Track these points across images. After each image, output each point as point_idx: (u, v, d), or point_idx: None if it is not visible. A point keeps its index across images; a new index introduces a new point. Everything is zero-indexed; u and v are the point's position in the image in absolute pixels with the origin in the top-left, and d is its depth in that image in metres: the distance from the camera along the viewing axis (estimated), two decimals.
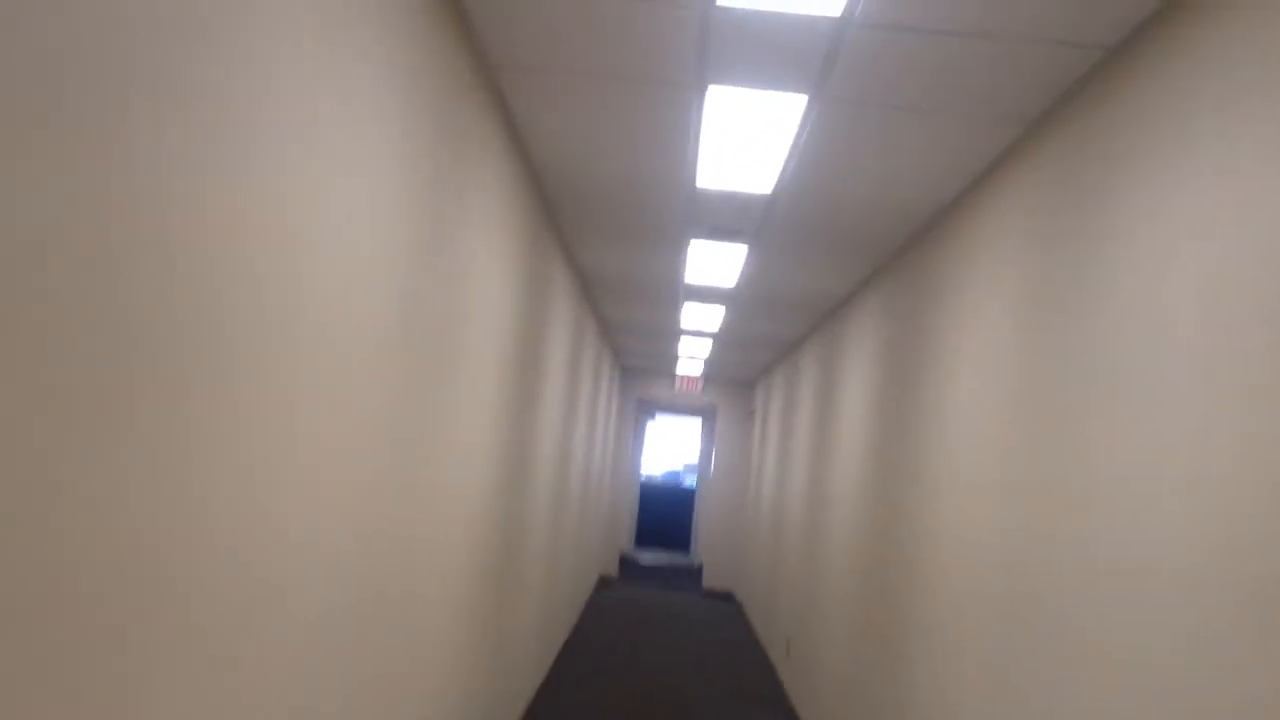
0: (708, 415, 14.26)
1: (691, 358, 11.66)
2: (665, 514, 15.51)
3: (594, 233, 5.72)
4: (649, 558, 15.16)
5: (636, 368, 13.83)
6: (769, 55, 2.98)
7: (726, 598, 12.96)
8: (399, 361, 2.62)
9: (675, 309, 8.19)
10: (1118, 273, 2.52)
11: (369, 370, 2.37)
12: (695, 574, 14.40)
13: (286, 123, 1.75)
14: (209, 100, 1.47)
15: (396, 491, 2.73)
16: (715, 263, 6.08)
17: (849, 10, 2.64)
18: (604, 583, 12.97)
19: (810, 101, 3.31)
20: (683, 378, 13.77)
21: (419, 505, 3.01)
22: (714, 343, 10.11)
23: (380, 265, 2.37)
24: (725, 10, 2.73)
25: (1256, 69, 1.98)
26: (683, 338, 10.02)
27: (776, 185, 4.30)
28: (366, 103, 2.15)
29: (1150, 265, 2.34)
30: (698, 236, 5.50)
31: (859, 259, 5.58)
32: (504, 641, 5.13)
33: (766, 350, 10.23)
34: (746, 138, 3.72)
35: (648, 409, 14.33)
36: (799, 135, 3.64)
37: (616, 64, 3.18)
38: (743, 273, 6.33)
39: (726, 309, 7.89)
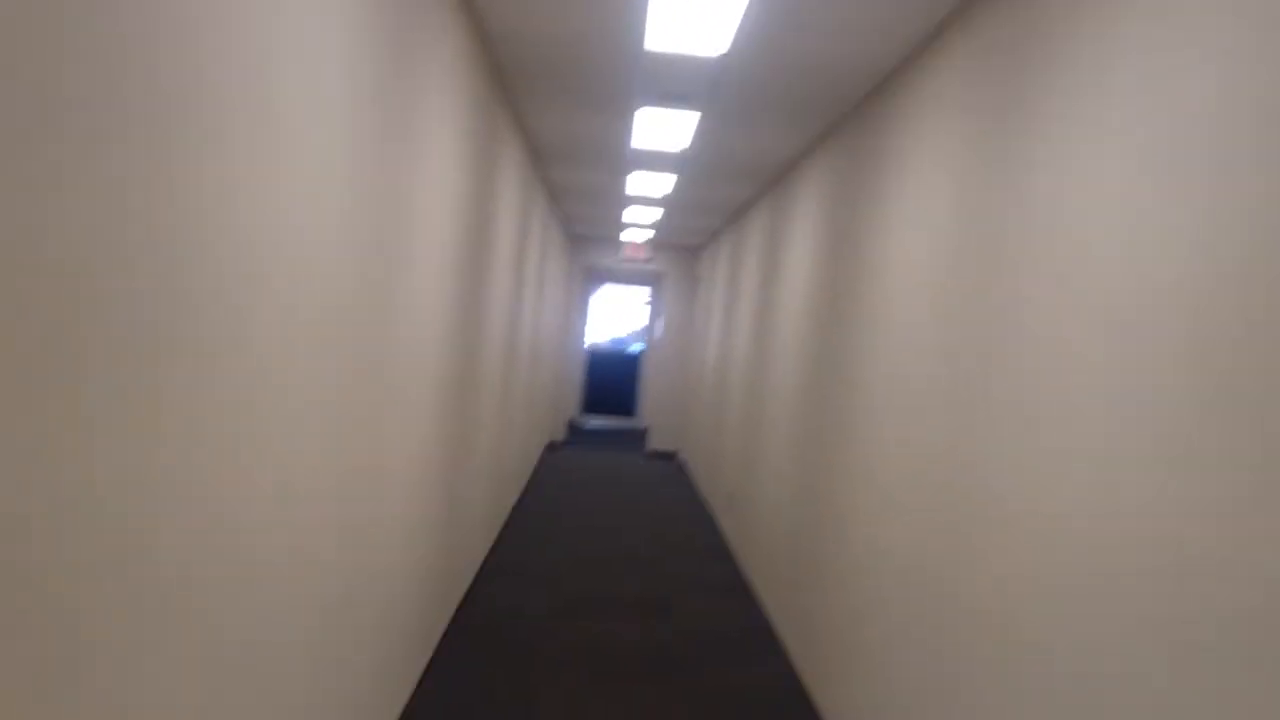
0: (655, 282, 14.39)
1: (640, 224, 11.71)
2: (612, 380, 15.77)
3: (545, 99, 5.71)
4: (597, 422, 15.46)
5: (585, 235, 13.85)
6: None
7: (671, 458, 13.32)
8: (355, 237, 2.68)
9: (623, 175, 8.21)
10: (1055, 137, 2.64)
11: (327, 244, 2.44)
12: (641, 437, 14.73)
13: None
14: None
15: (361, 362, 2.83)
16: (666, 128, 6.11)
17: None
18: (552, 447, 13.25)
19: None
20: (631, 244, 13.82)
21: (381, 377, 3.11)
22: (663, 209, 10.16)
23: (333, 133, 2.42)
24: None
25: None
26: (631, 205, 10.05)
27: (730, 46, 4.33)
28: None
29: (1085, 131, 2.46)
30: (647, 103, 5.51)
31: (808, 121, 5.64)
32: (460, 503, 5.31)
33: (714, 216, 10.30)
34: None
35: (596, 276, 14.41)
36: None
37: None
38: (693, 137, 6.36)
39: (676, 174, 7.93)
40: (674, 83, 5.06)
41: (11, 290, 1.18)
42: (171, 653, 1.70)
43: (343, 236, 2.52)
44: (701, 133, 6.18)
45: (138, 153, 1.43)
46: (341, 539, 2.83)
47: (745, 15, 3.88)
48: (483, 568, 6.53)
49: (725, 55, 4.44)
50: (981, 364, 3.00)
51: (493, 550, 7.05)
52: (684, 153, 6.92)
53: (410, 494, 3.85)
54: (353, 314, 2.70)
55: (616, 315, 16.92)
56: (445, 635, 5.08)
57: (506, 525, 7.95)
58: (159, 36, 1.46)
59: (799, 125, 5.68)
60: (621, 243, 13.91)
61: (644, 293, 15.71)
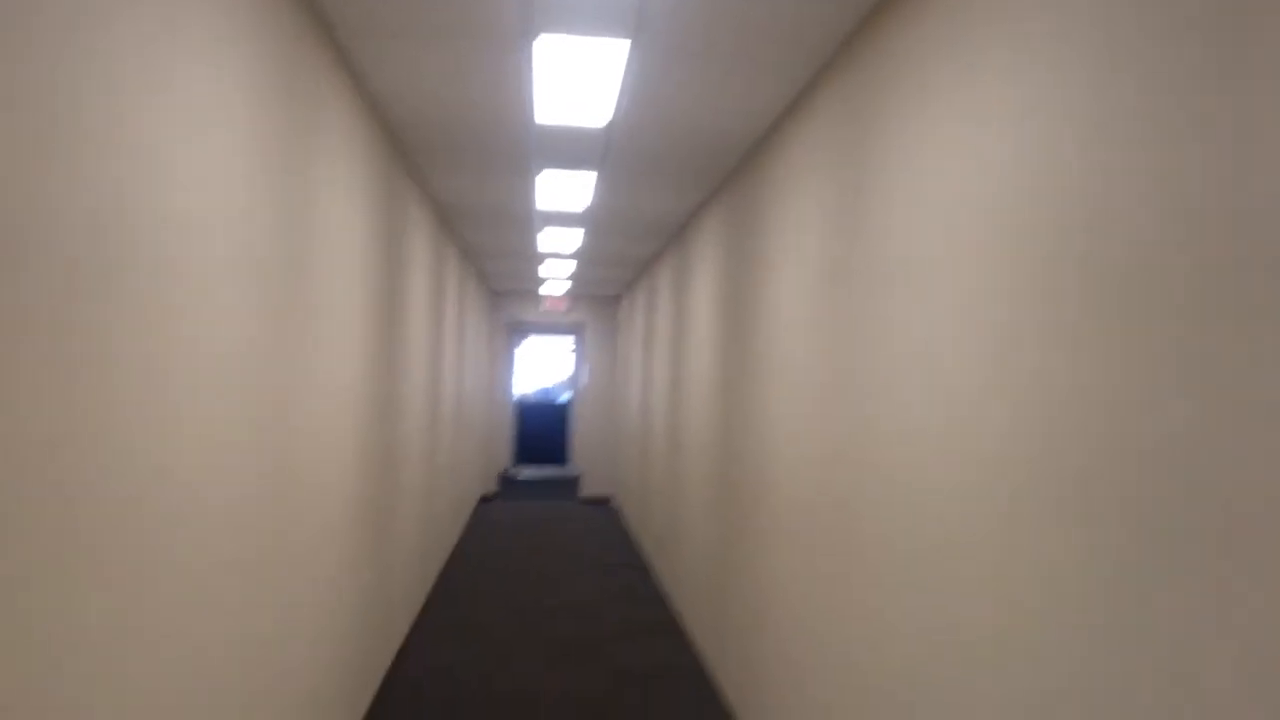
0: (577, 332, 14.66)
1: (557, 278, 11.98)
2: (543, 430, 15.96)
3: (446, 168, 5.97)
4: (529, 473, 15.62)
5: (505, 290, 14.09)
6: (591, 3, 3.30)
7: (605, 503, 13.52)
8: (268, 304, 2.90)
9: (533, 233, 8.48)
10: (896, 179, 2.96)
11: (244, 318, 2.65)
12: (574, 484, 14.93)
13: (153, 79, 2.02)
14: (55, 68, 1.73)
15: (277, 436, 3.03)
16: (567, 189, 6.40)
17: None
18: (485, 499, 13.38)
19: (632, 46, 3.64)
20: (550, 297, 14.09)
21: (299, 449, 3.31)
22: (576, 262, 10.45)
23: (245, 210, 2.64)
24: None
25: (989, 18, 2.41)
26: (545, 260, 10.32)
27: (613, 117, 4.64)
28: (218, 59, 2.41)
29: (917, 177, 2.78)
30: (546, 166, 5.80)
31: (698, 181, 5.97)
32: (386, 568, 5.47)
33: (626, 268, 10.61)
34: (580, 77, 4.03)
35: (518, 329, 14.64)
36: (626, 75, 3.97)
37: (449, 21, 3.45)
38: (594, 197, 6.66)
39: (584, 230, 8.22)
40: (568, 151, 5.35)
41: None
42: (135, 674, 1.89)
43: (260, 307, 2.74)
44: (601, 192, 6.48)
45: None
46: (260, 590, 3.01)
47: (621, 92, 4.18)
48: (417, 624, 6.68)
49: (610, 125, 4.74)
50: (848, 381, 3.29)
51: (426, 607, 7.19)
52: (588, 210, 7.21)
53: (331, 563, 4.03)
54: (263, 381, 2.90)
55: (543, 366, 17.15)
56: (380, 691, 5.23)
57: (439, 581, 8.09)
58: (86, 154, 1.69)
59: (690, 183, 6.01)
60: (541, 296, 14.18)
61: (568, 342, 15.99)
